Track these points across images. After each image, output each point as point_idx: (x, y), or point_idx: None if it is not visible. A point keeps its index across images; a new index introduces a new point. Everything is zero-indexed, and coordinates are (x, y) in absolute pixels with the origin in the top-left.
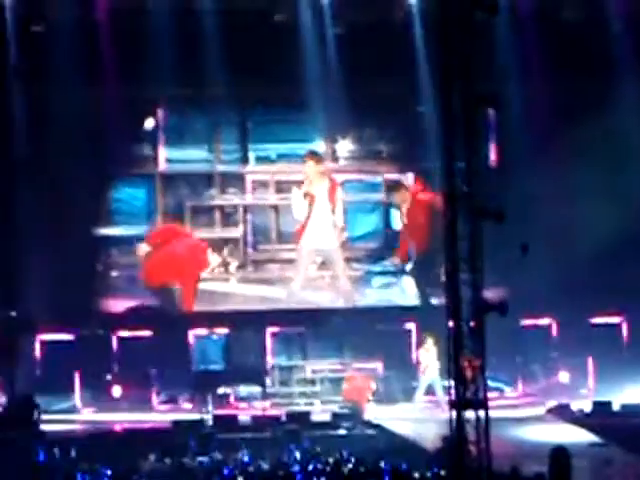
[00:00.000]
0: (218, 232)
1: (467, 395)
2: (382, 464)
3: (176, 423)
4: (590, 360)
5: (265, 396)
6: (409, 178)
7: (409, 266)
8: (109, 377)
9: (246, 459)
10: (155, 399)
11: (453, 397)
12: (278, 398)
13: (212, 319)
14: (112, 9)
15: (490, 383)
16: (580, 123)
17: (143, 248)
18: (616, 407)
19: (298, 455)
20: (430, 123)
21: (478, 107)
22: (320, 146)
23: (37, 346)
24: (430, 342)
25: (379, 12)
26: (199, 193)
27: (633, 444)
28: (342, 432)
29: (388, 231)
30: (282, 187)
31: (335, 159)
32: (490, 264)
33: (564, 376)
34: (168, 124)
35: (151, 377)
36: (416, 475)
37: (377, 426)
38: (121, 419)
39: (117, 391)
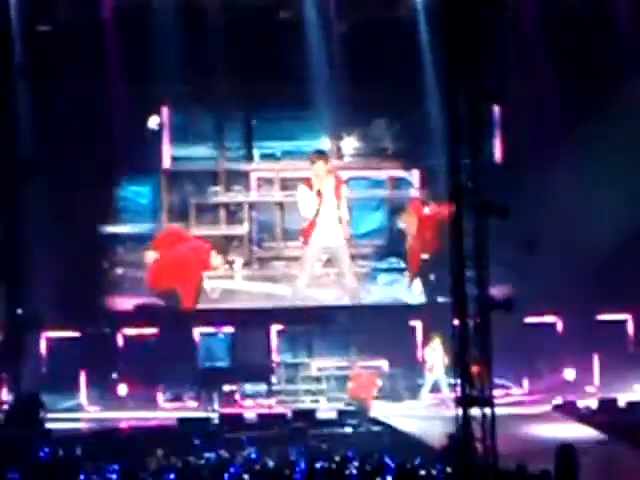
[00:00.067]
0: (223, 229)
1: (473, 392)
2: (388, 461)
3: (182, 421)
4: (596, 357)
5: (271, 394)
6: (414, 176)
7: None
8: (115, 375)
9: (253, 457)
10: (161, 397)
11: (459, 394)
12: (284, 396)
13: (217, 317)
14: (117, 7)
15: (496, 380)
16: (586, 119)
17: (151, 255)
18: (622, 404)
19: (304, 453)
20: (435, 120)
21: (483, 104)
22: (325, 143)
23: (43, 344)
24: (437, 341)
25: (384, 10)
26: (204, 191)
27: (639, 441)
28: (348, 430)
29: (393, 228)
30: (287, 184)
31: (340, 156)
32: (495, 261)
33: (570, 373)
34: (173, 122)
35: (157, 375)
36: (422, 473)
37: (383, 424)
38: (127, 417)
39: (123, 389)
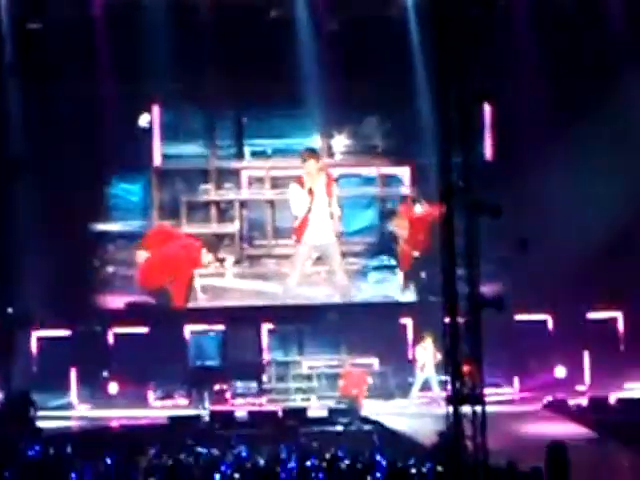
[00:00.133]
0: (214, 227)
1: (464, 390)
2: (379, 460)
3: (173, 419)
4: (586, 355)
5: (262, 392)
6: (404, 174)
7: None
8: (105, 373)
9: (244, 455)
10: (151, 395)
11: (450, 392)
12: (275, 394)
13: (208, 315)
14: (107, 5)
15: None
16: (577, 118)
17: (141, 255)
18: (613, 402)
19: (295, 451)
20: (426, 118)
21: (474, 102)
22: (316, 141)
23: (33, 342)
24: (428, 340)
25: (374, 8)
26: (195, 188)
27: (630, 439)
28: (339, 428)
29: (384, 231)
30: (278, 182)
31: (331, 154)
32: (486, 259)
33: (560, 371)
34: (164, 120)
35: (147, 373)
36: (413, 470)
37: (374, 422)
38: (117, 415)
39: (113, 387)
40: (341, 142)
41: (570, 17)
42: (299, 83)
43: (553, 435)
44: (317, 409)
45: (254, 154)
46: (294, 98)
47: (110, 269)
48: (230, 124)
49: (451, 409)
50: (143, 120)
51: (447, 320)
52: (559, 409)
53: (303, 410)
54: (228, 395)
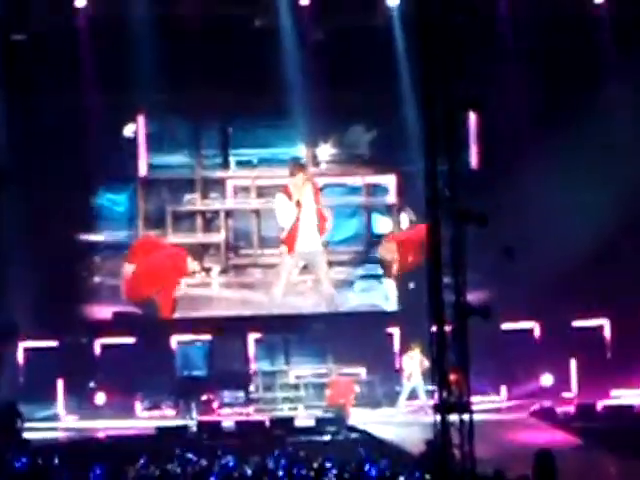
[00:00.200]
0: (200, 237)
1: (451, 399)
2: (366, 468)
3: (160, 430)
4: (573, 363)
5: (249, 402)
6: (390, 183)
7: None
8: (92, 384)
9: (231, 465)
10: (139, 406)
11: (437, 401)
12: (262, 404)
13: (195, 325)
14: (92, 16)
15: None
16: (562, 126)
17: (128, 268)
18: (599, 409)
19: (282, 460)
20: (412, 127)
21: (460, 111)
22: (301, 150)
23: (20, 353)
24: (416, 350)
25: (359, 17)
26: (180, 198)
27: (617, 446)
28: (326, 437)
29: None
30: (263, 192)
31: (316, 163)
32: (472, 267)
33: (547, 379)
34: (149, 130)
35: (134, 384)
36: (401, 479)
37: (361, 431)
38: (105, 426)
39: (100, 398)
40: (326, 151)
41: (554, 27)
42: (284, 92)
43: (540, 443)
44: (304, 418)
45: (239, 164)
46: (279, 107)
47: (96, 279)
48: (215, 134)
49: (438, 418)
50: (128, 130)
51: (434, 329)
52: (546, 417)
53: (290, 420)
54: (215, 405)
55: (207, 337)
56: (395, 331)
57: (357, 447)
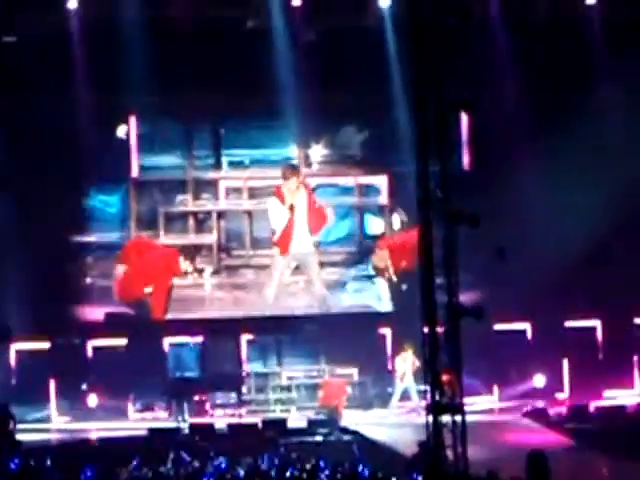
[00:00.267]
0: (192, 238)
1: (443, 400)
2: (359, 470)
3: (152, 431)
4: (566, 364)
5: (241, 403)
6: (382, 184)
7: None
8: (84, 386)
9: (223, 466)
10: (131, 408)
11: (429, 402)
12: (254, 405)
13: (187, 327)
14: (83, 17)
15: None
16: (554, 126)
17: (120, 269)
18: (592, 410)
19: (275, 462)
20: (404, 128)
21: (451, 112)
22: (293, 151)
23: (12, 355)
24: (409, 351)
25: (351, 18)
26: (172, 199)
27: (609, 447)
28: (318, 438)
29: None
30: (256, 193)
31: (308, 164)
32: (464, 268)
33: (540, 380)
34: (141, 131)
35: (127, 385)
36: None
37: (354, 432)
38: (97, 428)
39: (93, 400)
40: (318, 152)
41: (546, 28)
42: (276, 93)
43: (533, 444)
44: (297, 420)
45: (232, 165)
46: (271, 108)
47: (88, 280)
48: (207, 135)
49: (431, 419)
50: (120, 131)
51: (426, 329)
52: (539, 418)
53: (283, 421)
54: (208, 406)
55: (199, 338)
56: (388, 332)
57: (350, 448)
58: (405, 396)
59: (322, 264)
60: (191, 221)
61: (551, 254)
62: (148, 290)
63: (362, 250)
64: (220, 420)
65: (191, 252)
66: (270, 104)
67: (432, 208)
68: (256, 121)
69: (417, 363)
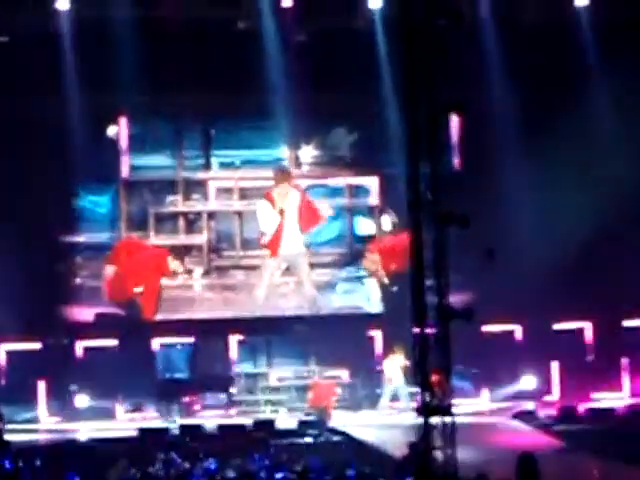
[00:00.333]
0: (182, 239)
1: (433, 401)
2: (349, 472)
3: (142, 432)
4: (555, 365)
5: (231, 404)
6: (372, 185)
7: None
8: (74, 386)
9: (213, 467)
10: (120, 408)
11: (419, 403)
12: (244, 406)
13: (177, 327)
14: (75, 18)
15: (456, 382)
16: (545, 129)
17: (110, 269)
18: (581, 412)
19: (265, 463)
20: (394, 129)
21: (442, 113)
22: (283, 152)
23: (1, 355)
24: (398, 353)
25: (342, 20)
26: (163, 200)
27: (599, 449)
28: (308, 440)
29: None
30: (246, 193)
31: (298, 165)
32: (454, 269)
33: (529, 381)
34: (131, 132)
35: (116, 386)
36: None
37: (343, 433)
38: (86, 428)
39: (82, 400)
40: (309, 153)
41: (536, 29)
42: (267, 94)
43: (523, 446)
44: (286, 421)
45: (222, 165)
46: (262, 109)
47: (78, 281)
48: (198, 135)
49: (420, 420)
50: (111, 132)
51: (416, 331)
52: (528, 419)
53: (272, 422)
54: (197, 407)
55: (189, 339)
56: (377, 334)
57: (339, 450)
58: (395, 398)
59: (312, 265)
60: (181, 222)
61: (541, 255)
62: (138, 290)
63: (352, 251)
64: (210, 421)
65: (181, 253)
66: (261, 105)
67: (422, 210)
68: (247, 122)
69: (406, 364)
